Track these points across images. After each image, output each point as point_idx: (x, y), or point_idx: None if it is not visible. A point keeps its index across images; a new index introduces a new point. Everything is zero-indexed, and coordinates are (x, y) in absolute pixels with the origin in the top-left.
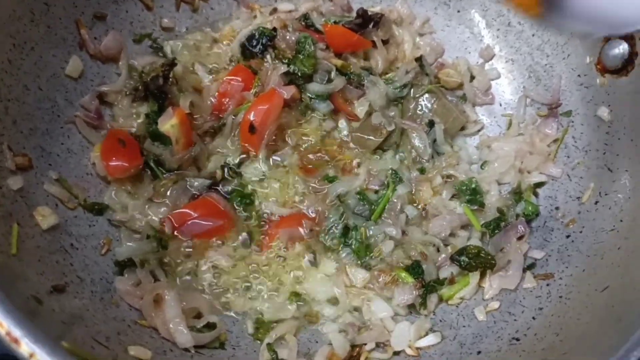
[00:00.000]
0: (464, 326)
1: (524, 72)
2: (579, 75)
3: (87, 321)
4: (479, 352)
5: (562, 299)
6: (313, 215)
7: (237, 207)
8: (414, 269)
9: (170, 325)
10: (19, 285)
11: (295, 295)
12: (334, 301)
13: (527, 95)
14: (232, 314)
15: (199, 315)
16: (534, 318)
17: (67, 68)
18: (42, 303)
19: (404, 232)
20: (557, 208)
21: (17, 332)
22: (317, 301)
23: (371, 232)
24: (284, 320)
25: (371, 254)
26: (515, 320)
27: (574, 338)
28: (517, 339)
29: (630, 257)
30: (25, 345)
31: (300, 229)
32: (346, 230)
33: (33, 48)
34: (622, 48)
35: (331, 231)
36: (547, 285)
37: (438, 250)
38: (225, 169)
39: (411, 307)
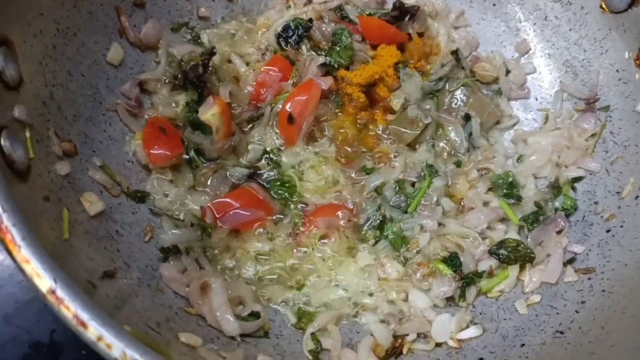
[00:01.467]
0: (505, 319)
1: (560, 66)
2: (617, 71)
3: (137, 307)
4: (522, 345)
5: (605, 292)
6: (351, 206)
7: (275, 197)
8: (452, 260)
9: (217, 314)
10: (76, 270)
11: (335, 286)
12: (369, 293)
13: (564, 90)
14: (272, 305)
15: (241, 304)
16: (577, 312)
17: (108, 55)
18: (96, 287)
19: (440, 224)
20: (596, 203)
21: (84, 315)
22: (351, 292)
23: (407, 225)
24: (327, 309)
25: (408, 246)
26: (557, 313)
27: (620, 331)
28: (562, 332)
29: None
30: (93, 329)
31: (338, 219)
32: (383, 222)
33: (76, 34)
34: None
35: (368, 223)
36: (589, 279)
37: (475, 243)
38: (265, 159)
39: (450, 300)
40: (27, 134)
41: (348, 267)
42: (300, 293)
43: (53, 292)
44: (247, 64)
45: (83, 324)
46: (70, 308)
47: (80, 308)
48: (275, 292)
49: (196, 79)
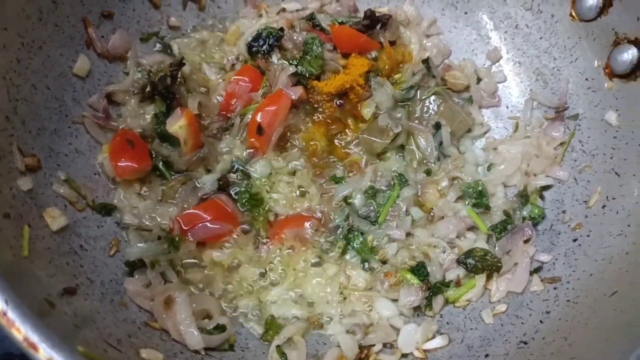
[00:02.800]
0: (471, 329)
1: (531, 74)
2: (586, 79)
3: (98, 323)
4: (487, 356)
5: (569, 302)
6: (319, 216)
7: (244, 208)
8: (419, 270)
9: (181, 327)
10: (32, 288)
11: (301, 297)
12: (333, 303)
13: (534, 98)
14: (239, 315)
15: (208, 317)
16: (541, 322)
17: (74, 67)
18: (54, 306)
19: (409, 234)
20: (563, 211)
21: (34, 338)
22: (317, 303)
23: (375, 235)
24: (292, 321)
25: (375, 256)
26: (522, 323)
27: (583, 343)
28: (525, 343)
29: (638, 262)
30: (43, 351)
31: (306, 229)
32: (351, 232)
33: (41, 47)
34: (631, 53)
35: (336, 233)
36: (555, 289)
37: (444, 252)
38: (234, 170)
39: (417, 309)
40: None
41: (314, 277)
42: (266, 304)
43: (4, 314)
44: (218, 73)
45: (33, 347)
46: (21, 330)
47: (31, 330)
48: (242, 303)
49: (165, 90)
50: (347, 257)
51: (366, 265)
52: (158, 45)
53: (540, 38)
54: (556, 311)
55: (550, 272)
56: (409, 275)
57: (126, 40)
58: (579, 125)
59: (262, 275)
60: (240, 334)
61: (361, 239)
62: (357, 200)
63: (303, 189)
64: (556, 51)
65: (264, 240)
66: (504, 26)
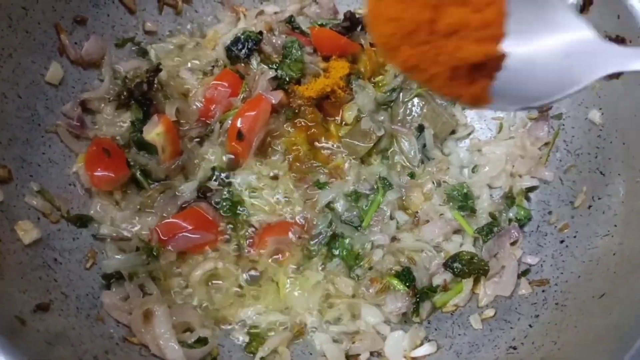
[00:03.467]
0: (459, 335)
1: None
2: None
3: (73, 340)
4: None
5: (558, 305)
6: (302, 222)
7: (225, 216)
8: (405, 275)
9: (161, 342)
10: (2, 305)
11: (284, 305)
12: (316, 311)
13: None
14: (222, 327)
15: (189, 330)
16: (530, 326)
17: (47, 75)
18: (25, 323)
19: (394, 239)
20: (550, 212)
21: (2, 359)
22: (300, 312)
23: (359, 241)
24: (276, 331)
25: (360, 263)
26: (511, 328)
27: (572, 346)
28: (515, 348)
29: (625, 263)
30: None
31: (289, 237)
32: (334, 238)
33: (11, 55)
34: None
35: (319, 239)
36: (543, 291)
37: (430, 257)
38: (214, 178)
39: (404, 316)
40: None
41: (297, 285)
42: (249, 312)
43: None
44: (196, 78)
45: None
46: None
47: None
48: (225, 313)
49: (141, 97)
50: (332, 264)
51: (352, 271)
52: (134, 51)
53: None
54: (545, 315)
55: (538, 275)
56: (395, 281)
57: (100, 46)
58: (563, 125)
59: (244, 284)
60: (224, 346)
61: (346, 245)
62: (340, 205)
63: (286, 196)
64: None
65: (246, 249)
66: None
